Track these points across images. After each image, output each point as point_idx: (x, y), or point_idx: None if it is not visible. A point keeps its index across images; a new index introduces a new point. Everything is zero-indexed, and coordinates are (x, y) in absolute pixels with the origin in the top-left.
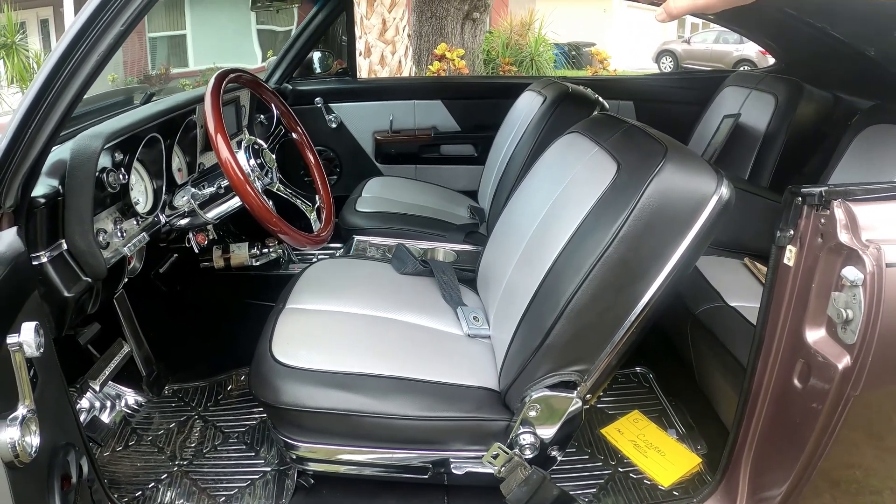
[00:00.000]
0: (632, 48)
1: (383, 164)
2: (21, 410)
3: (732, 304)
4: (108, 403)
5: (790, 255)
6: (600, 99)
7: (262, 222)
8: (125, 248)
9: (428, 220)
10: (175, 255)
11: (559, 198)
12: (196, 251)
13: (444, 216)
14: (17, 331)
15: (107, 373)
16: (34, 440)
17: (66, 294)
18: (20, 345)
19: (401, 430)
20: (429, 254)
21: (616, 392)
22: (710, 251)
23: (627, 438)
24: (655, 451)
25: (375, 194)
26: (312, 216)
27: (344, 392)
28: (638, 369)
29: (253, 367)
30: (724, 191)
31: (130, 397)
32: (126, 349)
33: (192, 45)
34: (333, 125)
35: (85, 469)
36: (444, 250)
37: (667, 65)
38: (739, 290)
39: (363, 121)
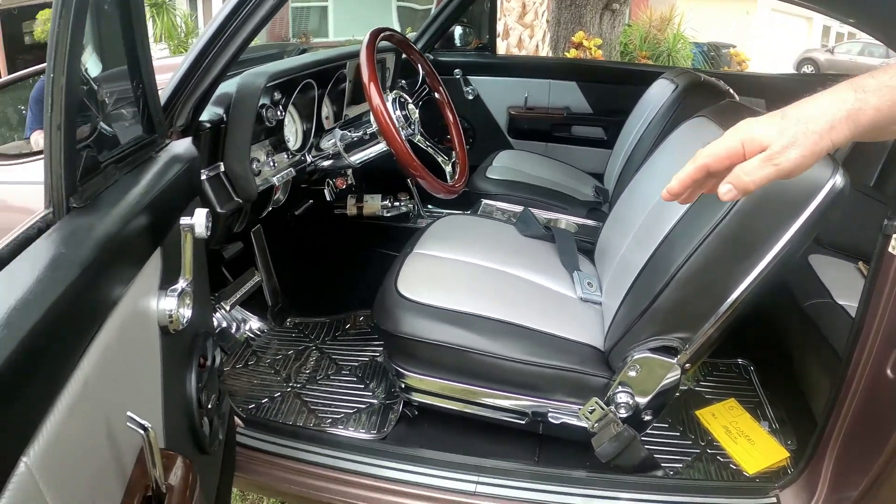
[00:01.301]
0: (773, 53)
1: (515, 139)
2: (181, 284)
3: (840, 302)
4: (234, 325)
5: (895, 244)
6: (731, 91)
7: (404, 166)
8: (274, 178)
9: (554, 193)
10: (311, 202)
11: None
12: (332, 199)
13: (569, 191)
14: (191, 214)
15: (238, 296)
16: (187, 313)
17: (218, 210)
18: (192, 226)
19: (507, 372)
20: (551, 223)
21: (715, 379)
22: (825, 252)
23: (720, 423)
24: (745, 439)
25: (505, 165)
26: (448, 170)
27: (459, 328)
28: (740, 361)
29: (377, 299)
30: (839, 180)
31: (255, 323)
32: (257, 278)
33: (333, 17)
34: (470, 97)
35: (217, 359)
36: (567, 221)
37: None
38: (849, 290)
39: (499, 95)
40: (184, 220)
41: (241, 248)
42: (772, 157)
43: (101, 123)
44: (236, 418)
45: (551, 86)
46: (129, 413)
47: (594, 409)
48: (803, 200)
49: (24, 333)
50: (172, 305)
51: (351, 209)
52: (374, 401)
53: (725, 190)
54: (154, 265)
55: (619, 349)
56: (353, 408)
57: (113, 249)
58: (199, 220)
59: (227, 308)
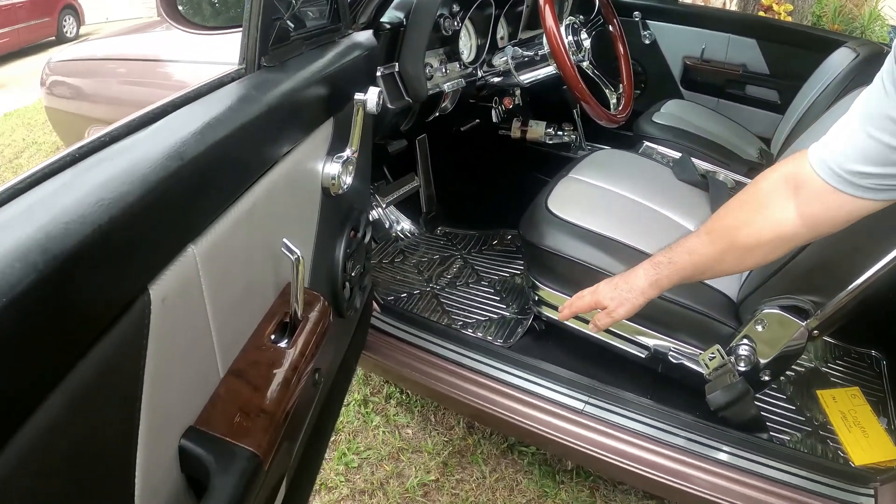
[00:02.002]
0: None
1: (686, 90)
2: (347, 153)
3: None
4: (387, 223)
5: None
6: None
7: (571, 88)
8: (445, 85)
9: (716, 146)
10: (477, 121)
11: None
12: (498, 120)
13: (733, 148)
14: (364, 91)
15: (395, 196)
16: (348, 179)
17: (389, 105)
18: (364, 101)
19: None
20: (708, 174)
21: (845, 365)
22: None
23: (838, 408)
24: (860, 429)
25: (673, 112)
26: (613, 101)
27: (599, 250)
28: (873, 352)
29: (526, 213)
30: None
31: (406, 225)
32: (415, 183)
33: None
34: (647, 42)
35: (367, 236)
36: (725, 175)
37: None
38: None
39: (676, 43)
40: (357, 96)
41: (405, 147)
42: (609, 313)
43: (295, 5)
44: (374, 303)
45: (730, 41)
46: (284, 239)
47: (714, 357)
48: None
49: (214, 142)
50: (336, 170)
51: (515, 132)
52: (507, 314)
53: (591, 327)
54: (325, 133)
55: (750, 301)
56: (486, 316)
57: (294, 102)
58: (371, 97)
59: (384, 205)
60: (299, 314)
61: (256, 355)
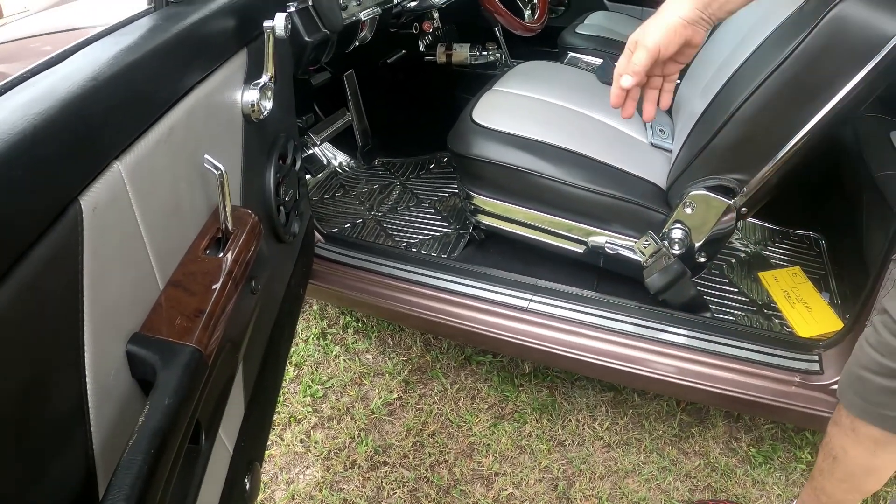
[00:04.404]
0: None
1: (611, 2)
2: (264, 79)
3: None
4: (325, 160)
5: None
6: None
7: (481, 2)
8: (360, 14)
9: None
10: (403, 51)
11: (749, 30)
12: (423, 48)
13: None
14: (272, 18)
15: (328, 132)
16: (267, 105)
17: (305, 38)
18: (273, 27)
19: (569, 198)
20: None
21: (785, 247)
22: None
23: (781, 287)
24: (804, 305)
25: (597, 23)
26: (527, 12)
27: (526, 153)
28: (811, 233)
29: (453, 128)
30: None
31: (344, 159)
32: (348, 118)
33: None
34: None
35: (298, 162)
36: None
37: None
38: None
39: None
40: (266, 23)
41: (329, 80)
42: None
43: None
44: (317, 233)
45: None
46: (206, 155)
47: (649, 244)
48: (868, 50)
49: (126, 64)
50: (255, 97)
51: (440, 57)
52: (449, 230)
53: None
54: (240, 62)
55: (678, 186)
56: (429, 235)
57: (203, 31)
58: (278, 22)
59: (318, 142)
60: (229, 227)
61: (193, 266)
